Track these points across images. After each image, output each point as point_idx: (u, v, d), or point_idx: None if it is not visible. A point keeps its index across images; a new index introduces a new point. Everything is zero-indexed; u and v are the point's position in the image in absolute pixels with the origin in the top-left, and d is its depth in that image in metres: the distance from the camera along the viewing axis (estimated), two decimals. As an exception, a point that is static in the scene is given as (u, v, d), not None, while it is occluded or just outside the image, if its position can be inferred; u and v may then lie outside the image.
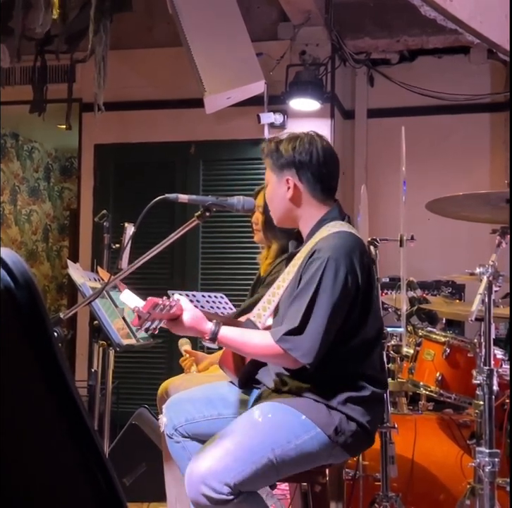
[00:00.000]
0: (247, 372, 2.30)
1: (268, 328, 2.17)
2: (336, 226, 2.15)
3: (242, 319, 2.33)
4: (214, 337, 2.02)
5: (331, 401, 2.07)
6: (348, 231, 2.14)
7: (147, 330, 1.93)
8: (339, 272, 2.03)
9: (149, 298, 1.91)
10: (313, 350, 2.00)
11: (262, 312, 2.19)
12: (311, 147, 2.19)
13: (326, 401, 2.07)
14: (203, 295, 3.04)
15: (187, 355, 3.08)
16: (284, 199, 2.22)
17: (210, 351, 3.11)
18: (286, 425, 2.07)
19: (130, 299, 1.97)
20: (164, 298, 1.94)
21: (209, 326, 2.03)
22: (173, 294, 2.10)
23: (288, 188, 2.20)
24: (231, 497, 1.97)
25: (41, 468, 0.70)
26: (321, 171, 2.19)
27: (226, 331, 2.04)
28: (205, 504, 1.97)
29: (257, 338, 2.08)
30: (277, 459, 2.03)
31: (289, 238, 2.42)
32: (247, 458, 2.01)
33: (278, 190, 2.24)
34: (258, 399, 2.26)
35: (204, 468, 1.98)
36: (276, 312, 2.24)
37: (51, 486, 0.72)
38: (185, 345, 3.18)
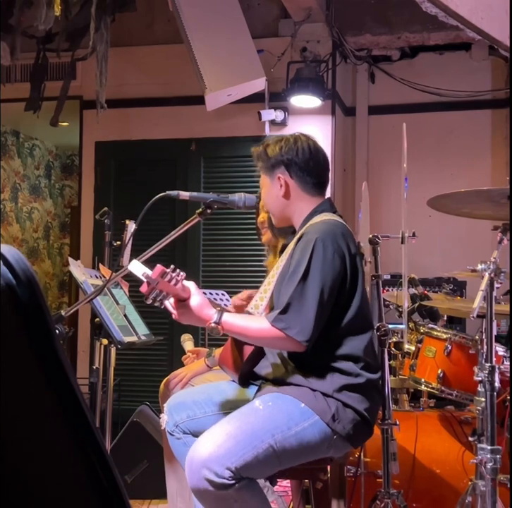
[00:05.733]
0: (246, 369, 2.31)
1: None
2: (326, 216, 2.24)
3: None
4: (217, 322, 2.06)
5: (327, 389, 2.12)
6: (337, 220, 2.24)
7: (154, 300, 1.98)
8: (327, 252, 2.11)
9: (157, 266, 1.96)
10: (308, 327, 2.05)
11: (260, 302, 2.25)
12: (296, 144, 2.30)
13: (322, 389, 2.12)
14: (204, 292, 3.04)
15: (190, 353, 3.09)
16: (278, 197, 2.32)
17: (212, 347, 3.11)
18: (286, 412, 2.11)
19: (138, 268, 2.00)
20: (171, 267, 1.98)
21: (213, 311, 2.08)
22: None
23: (281, 185, 2.30)
24: (232, 481, 1.98)
25: (43, 465, 0.70)
26: (308, 164, 2.29)
27: (228, 317, 2.10)
28: (206, 488, 1.98)
29: (257, 322, 2.14)
30: (278, 445, 2.06)
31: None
32: (248, 442, 2.03)
33: (272, 191, 2.34)
34: (258, 392, 2.28)
35: (205, 452, 2.00)
36: (271, 304, 2.26)
37: (53, 483, 0.72)
38: (187, 341, 3.20)
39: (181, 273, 2.01)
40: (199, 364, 2.93)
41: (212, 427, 2.09)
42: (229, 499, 2.00)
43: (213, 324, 2.06)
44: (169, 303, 2.06)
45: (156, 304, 2.00)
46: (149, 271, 1.96)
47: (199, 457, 2.00)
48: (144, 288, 1.97)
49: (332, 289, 2.11)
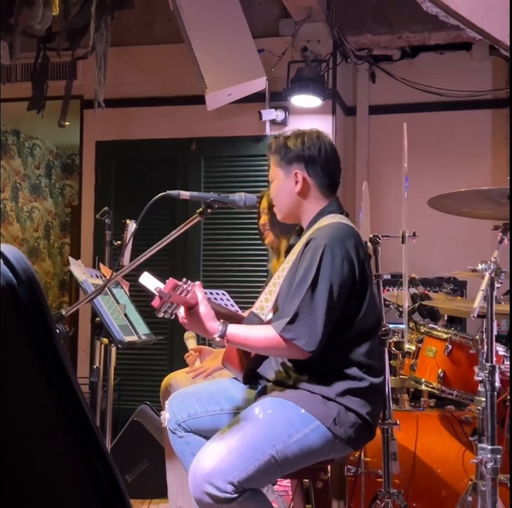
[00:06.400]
0: (250, 368, 2.30)
1: (269, 323, 2.19)
2: (334, 218, 2.20)
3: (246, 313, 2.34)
4: (222, 335, 2.05)
5: (329, 393, 2.10)
6: (344, 223, 2.20)
7: (165, 313, 1.96)
8: (336, 259, 2.07)
9: (169, 279, 1.95)
10: (316, 337, 2.02)
11: (265, 303, 2.23)
12: (319, 141, 2.25)
13: (324, 393, 2.10)
14: (205, 292, 3.04)
15: (193, 351, 3.09)
16: (292, 193, 2.26)
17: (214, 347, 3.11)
18: (286, 419, 2.09)
19: (149, 281, 1.99)
20: (183, 280, 1.97)
21: (217, 324, 2.07)
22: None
23: (297, 181, 2.24)
24: (235, 495, 1.98)
25: (43, 464, 0.70)
26: (328, 165, 2.25)
27: (233, 329, 2.08)
28: (209, 503, 1.98)
29: (262, 332, 2.12)
30: (279, 455, 2.05)
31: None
32: (249, 455, 2.02)
33: (285, 185, 2.27)
34: (260, 393, 2.28)
35: (207, 467, 1.99)
36: (276, 307, 2.25)
37: (53, 483, 0.72)
38: (190, 339, 3.20)
39: (191, 283, 2.00)
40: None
41: (213, 440, 2.08)
42: None
43: (218, 338, 2.05)
44: (178, 313, 2.05)
45: (166, 316, 1.98)
46: (161, 285, 1.94)
47: (201, 472, 2.00)
48: (156, 303, 1.94)
49: (340, 297, 2.08)
